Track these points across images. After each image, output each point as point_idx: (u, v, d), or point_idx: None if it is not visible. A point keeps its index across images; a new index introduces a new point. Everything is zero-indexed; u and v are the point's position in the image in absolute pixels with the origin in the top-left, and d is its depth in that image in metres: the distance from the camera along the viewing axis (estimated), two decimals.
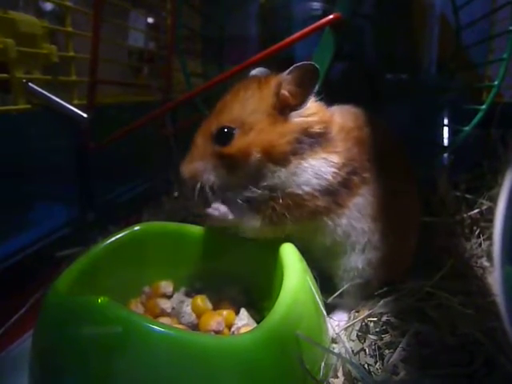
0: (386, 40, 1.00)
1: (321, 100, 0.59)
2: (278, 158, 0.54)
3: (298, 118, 0.56)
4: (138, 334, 0.38)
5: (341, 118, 0.61)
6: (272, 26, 1.08)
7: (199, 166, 0.56)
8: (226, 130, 0.55)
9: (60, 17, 0.89)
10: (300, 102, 0.56)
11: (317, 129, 0.56)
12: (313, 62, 0.54)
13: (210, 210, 0.57)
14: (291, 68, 0.54)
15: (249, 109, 0.55)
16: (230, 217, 0.57)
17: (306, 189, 0.54)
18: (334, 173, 0.55)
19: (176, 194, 1.00)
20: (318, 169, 0.55)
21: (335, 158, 0.56)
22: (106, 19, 0.91)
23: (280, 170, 0.54)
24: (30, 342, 0.46)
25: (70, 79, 0.86)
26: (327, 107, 0.61)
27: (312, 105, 0.57)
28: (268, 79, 0.57)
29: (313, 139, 0.56)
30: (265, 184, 0.55)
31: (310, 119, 0.56)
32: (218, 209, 0.57)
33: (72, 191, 0.90)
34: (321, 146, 0.56)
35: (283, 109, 0.55)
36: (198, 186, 0.55)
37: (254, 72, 0.65)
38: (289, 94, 0.55)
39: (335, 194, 0.56)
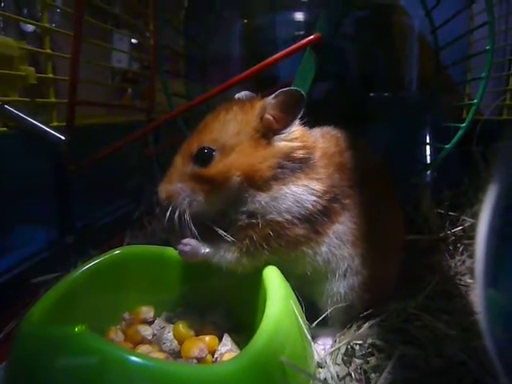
0: (367, 60, 1.01)
1: (304, 124, 0.59)
2: (259, 182, 0.53)
3: (280, 143, 0.55)
4: (115, 365, 0.37)
5: (323, 142, 0.61)
6: (255, 47, 1.09)
7: (176, 188, 0.55)
8: (205, 150, 0.54)
9: (41, 38, 0.89)
10: (283, 127, 0.55)
11: (299, 154, 0.55)
12: (299, 89, 0.54)
13: (180, 246, 0.56)
14: (277, 93, 0.54)
15: (231, 131, 0.55)
16: (203, 251, 0.56)
17: (287, 216, 0.53)
18: (315, 201, 0.54)
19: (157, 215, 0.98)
20: (298, 196, 0.54)
21: (317, 186, 0.55)
22: (89, 40, 0.91)
23: (260, 195, 0.54)
24: (3, 374, 0.44)
25: (48, 101, 0.85)
26: (310, 130, 0.61)
27: (296, 129, 0.57)
28: (252, 102, 0.57)
29: (295, 164, 0.55)
30: (244, 209, 0.54)
31: (293, 144, 0.56)
32: (189, 243, 0.56)
33: (51, 214, 0.88)
34: (303, 171, 0.55)
35: (266, 132, 0.55)
36: (170, 209, 0.54)
37: (238, 95, 0.65)
38: (273, 119, 0.55)
39: (315, 222, 0.55)
